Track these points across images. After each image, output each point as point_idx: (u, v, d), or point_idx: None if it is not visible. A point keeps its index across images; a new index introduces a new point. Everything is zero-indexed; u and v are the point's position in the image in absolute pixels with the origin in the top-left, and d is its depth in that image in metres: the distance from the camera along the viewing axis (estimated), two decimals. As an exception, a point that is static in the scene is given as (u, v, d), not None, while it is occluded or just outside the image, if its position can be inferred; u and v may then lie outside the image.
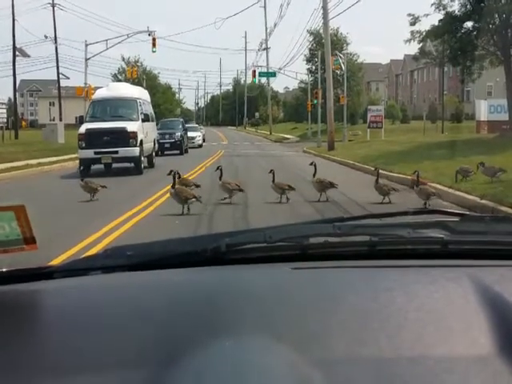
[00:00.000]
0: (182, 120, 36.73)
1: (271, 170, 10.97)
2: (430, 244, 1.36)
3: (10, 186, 14.48)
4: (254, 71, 58.31)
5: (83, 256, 1.52)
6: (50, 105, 74.34)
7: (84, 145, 18.00)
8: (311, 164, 11.49)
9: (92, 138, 17.93)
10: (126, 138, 17.99)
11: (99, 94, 20.80)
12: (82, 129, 18.45)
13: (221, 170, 11.00)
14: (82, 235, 7.53)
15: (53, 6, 46.54)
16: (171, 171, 10.25)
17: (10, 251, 1.12)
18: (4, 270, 1.26)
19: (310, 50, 54.55)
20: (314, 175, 11.18)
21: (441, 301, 1.03)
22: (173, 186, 9.95)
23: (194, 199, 9.71)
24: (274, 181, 10.83)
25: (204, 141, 42.91)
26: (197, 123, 58.92)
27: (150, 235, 7.16)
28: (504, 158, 14.89)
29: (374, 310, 1.01)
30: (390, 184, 11.41)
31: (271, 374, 0.79)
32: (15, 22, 41.14)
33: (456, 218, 1.45)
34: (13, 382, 0.83)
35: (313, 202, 10.56)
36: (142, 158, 18.77)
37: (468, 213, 1.66)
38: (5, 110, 37.45)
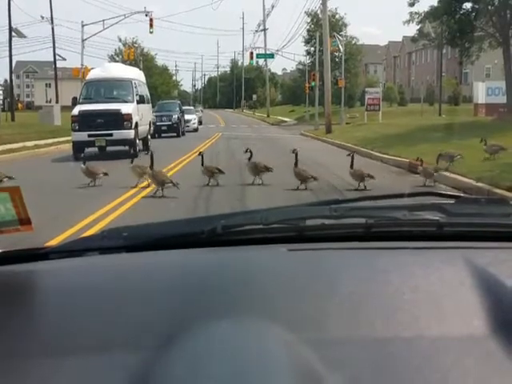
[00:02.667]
0: (179, 102, 36.36)
1: (200, 153, 11.06)
2: (425, 226, 1.37)
3: (6, 168, 14.42)
4: (252, 53, 57.98)
5: (80, 237, 1.52)
6: (46, 86, 73.73)
7: (77, 127, 17.71)
8: (246, 151, 11.16)
9: (85, 121, 17.63)
10: (120, 120, 17.73)
11: (93, 75, 20.38)
12: (76, 111, 18.12)
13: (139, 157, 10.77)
14: (76, 217, 7.56)
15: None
16: (148, 151, 10.31)
17: (6, 232, 1.12)
18: (0, 250, 1.26)
19: (308, 31, 54.15)
20: (249, 159, 11.03)
21: (436, 282, 1.04)
22: (151, 168, 9.98)
23: (170, 183, 9.71)
24: (202, 164, 10.91)
25: (201, 123, 42.56)
26: (194, 105, 58.37)
27: (147, 217, 7.18)
28: (501, 140, 14.89)
29: (370, 291, 1.01)
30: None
31: (268, 355, 0.80)
32: (11, 1, 40.71)
33: (451, 200, 1.45)
34: (7, 363, 0.84)
35: (248, 185, 10.58)
36: (137, 141, 18.55)
37: (463, 195, 1.66)
38: (1, 92, 37.15)
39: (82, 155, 17.50)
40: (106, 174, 11.12)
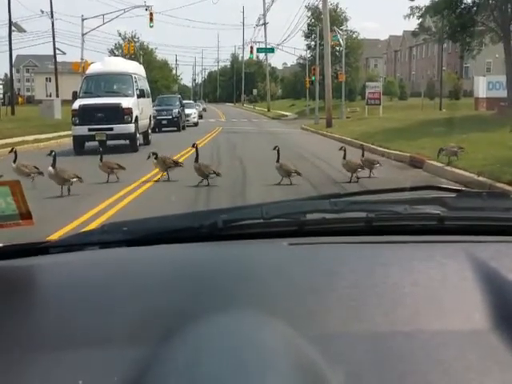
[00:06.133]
0: (179, 96, 36.31)
1: (101, 157, 10.93)
2: (426, 220, 1.36)
3: (5, 163, 14.40)
4: (252, 47, 57.89)
5: (80, 231, 1.52)
6: (46, 80, 73.57)
7: (77, 121, 17.71)
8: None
9: (86, 115, 17.63)
10: (120, 114, 17.72)
11: (93, 69, 20.33)
12: (76, 105, 18.12)
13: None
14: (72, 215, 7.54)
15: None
16: (51, 151, 9.83)
17: (6, 226, 1.12)
18: (0, 245, 1.26)
19: (309, 25, 54.10)
20: (156, 156, 10.81)
21: (437, 276, 1.03)
22: (53, 166, 9.56)
23: (75, 179, 9.48)
24: (101, 161, 10.83)
25: (201, 117, 42.52)
26: (195, 100, 58.21)
27: (147, 211, 7.18)
28: (501, 135, 14.90)
29: (371, 285, 1.01)
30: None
31: (268, 349, 0.80)
32: (10, -4, 40.56)
33: (453, 194, 1.44)
34: (7, 358, 0.84)
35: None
36: (138, 135, 18.55)
37: (464, 189, 1.66)
38: (1, 86, 37.07)
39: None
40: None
